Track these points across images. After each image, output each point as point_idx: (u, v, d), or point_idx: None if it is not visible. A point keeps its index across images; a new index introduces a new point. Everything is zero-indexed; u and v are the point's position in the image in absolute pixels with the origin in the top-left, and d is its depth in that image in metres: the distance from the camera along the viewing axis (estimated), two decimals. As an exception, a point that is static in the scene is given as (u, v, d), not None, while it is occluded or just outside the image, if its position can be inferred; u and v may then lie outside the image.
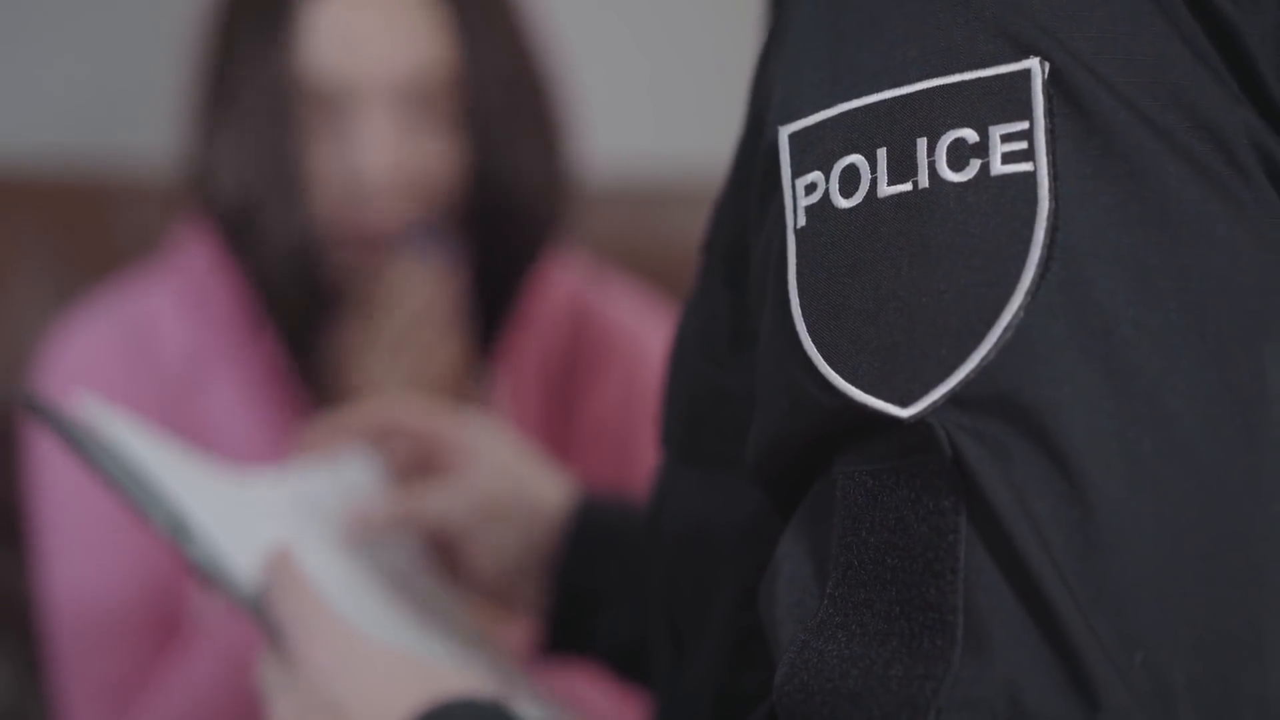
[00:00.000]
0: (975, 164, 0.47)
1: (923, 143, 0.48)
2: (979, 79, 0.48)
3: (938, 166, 0.47)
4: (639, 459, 1.35)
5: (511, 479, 0.89)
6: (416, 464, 0.92)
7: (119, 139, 1.68)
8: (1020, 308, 0.45)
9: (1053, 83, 0.47)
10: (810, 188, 0.50)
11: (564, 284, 1.39)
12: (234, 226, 1.23)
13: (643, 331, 1.40)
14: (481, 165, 1.25)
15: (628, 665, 0.91)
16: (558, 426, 1.35)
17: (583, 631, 0.89)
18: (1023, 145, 0.47)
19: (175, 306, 1.29)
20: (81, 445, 0.81)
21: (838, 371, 0.48)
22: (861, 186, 0.49)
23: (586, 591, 0.88)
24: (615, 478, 1.35)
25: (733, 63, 1.82)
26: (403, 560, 0.90)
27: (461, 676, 0.69)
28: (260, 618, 0.74)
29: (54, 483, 1.26)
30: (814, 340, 0.49)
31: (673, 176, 1.71)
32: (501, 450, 0.91)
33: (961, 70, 0.48)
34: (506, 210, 1.26)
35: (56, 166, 1.60)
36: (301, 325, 1.24)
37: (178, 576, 1.24)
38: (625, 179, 1.72)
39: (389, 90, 1.21)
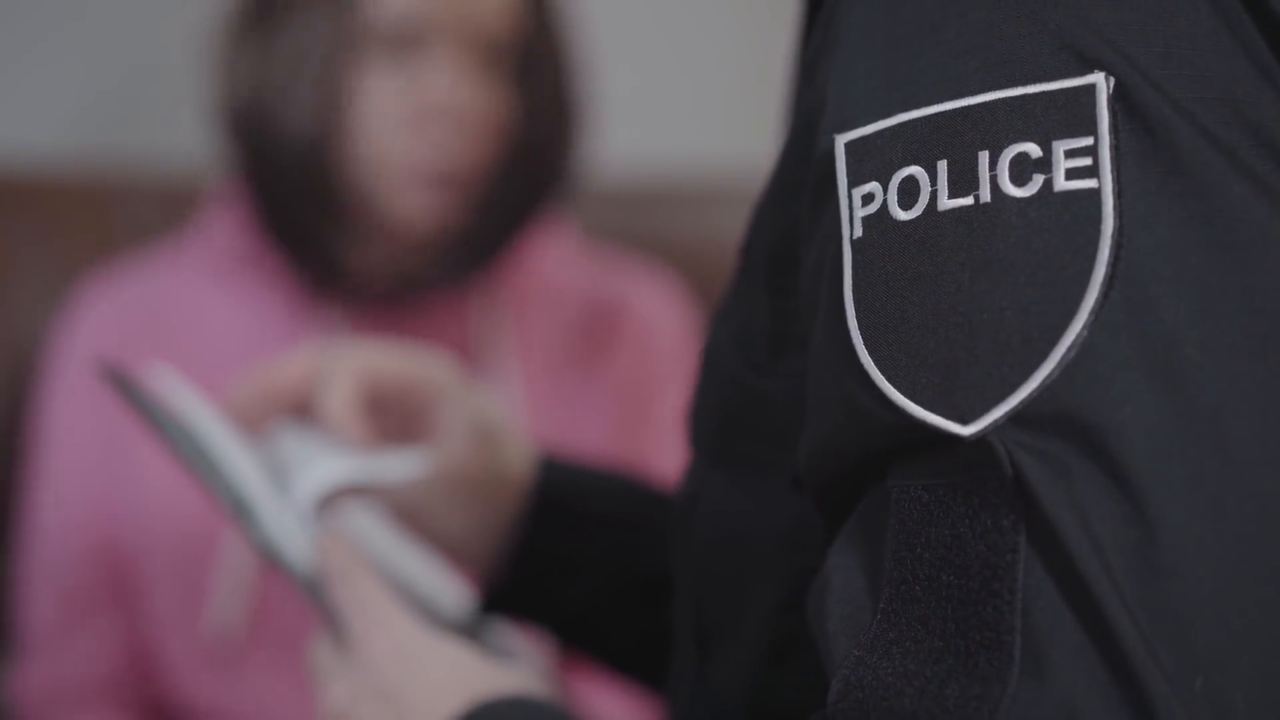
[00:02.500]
0: (1038, 179, 0.46)
1: (984, 156, 0.47)
2: (1043, 92, 0.47)
3: (1000, 181, 0.47)
4: (651, 428, 1.39)
5: (480, 446, 0.86)
6: (388, 416, 0.88)
7: (119, 139, 1.67)
8: (1084, 327, 0.45)
9: (1118, 98, 0.46)
10: (867, 198, 0.50)
11: (572, 262, 1.42)
12: (254, 137, 1.26)
13: (652, 305, 1.44)
14: (527, 119, 1.30)
15: (573, 635, 0.90)
16: (571, 401, 1.36)
17: (534, 600, 0.88)
18: (1087, 161, 0.46)
19: (201, 281, 1.31)
20: (155, 419, 0.82)
21: (895, 386, 0.48)
22: (921, 199, 0.48)
23: (545, 562, 0.87)
24: (627, 446, 1.38)
25: (732, 64, 1.83)
26: (366, 521, 0.89)
27: (515, 675, 0.68)
28: (317, 601, 0.74)
29: (56, 420, 1.29)
30: (871, 353, 0.49)
31: (672, 177, 1.71)
32: (472, 411, 0.86)
33: (1025, 83, 0.47)
34: (537, 160, 1.31)
35: (56, 166, 1.59)
36: (312, 239, 1.27)
37: (158, 565, 1.25)
38: (639, 178, 1.72)
39: (462, 33, 1.25)
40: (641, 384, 1.40)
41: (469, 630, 0.88)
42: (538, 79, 1.30)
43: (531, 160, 1.30)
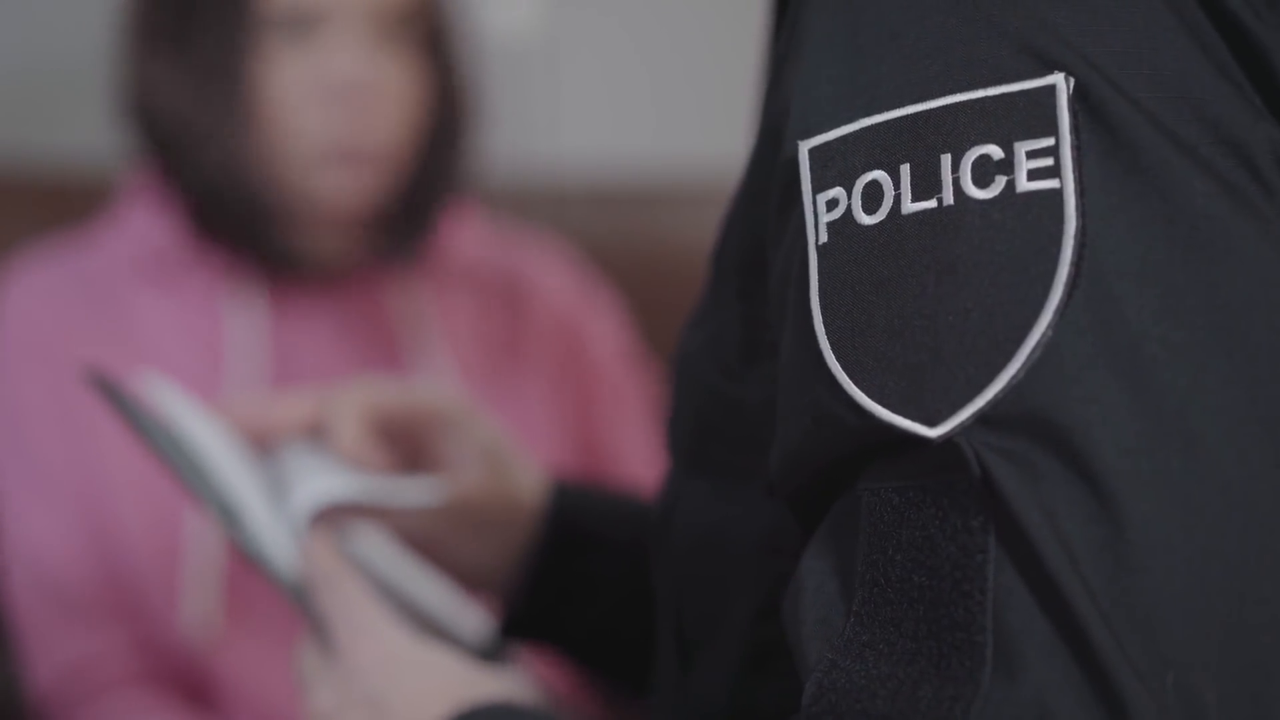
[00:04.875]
0: (1001, 181, 0.47)
1: (947, 159, 0.47)
2: (1003, 94, 0.47)
3: (962, 183, 0.47)
4: (592, 425, 1.40)
5: (490, 474, 0.86)
6: (396, 447, 0.88)
7: (119, 139, 1.68)
8: (1049, 326, 0.45)
9: (1078, 98, 0.47)
10: (832, 204, 0.50)
11: (486, 240, 1.43)
12: (169, 144, 1.26)
13: (579, 295, 1.45)
14: (444, 89, 1.31)
15: (589, 657, 0.91)
16: (506, 382, 1.37)
17: (550, 624, 0.89)
18: (1048, 162, 0.46)
19: (122, 273, 1.31)
20: (140, 424, 0.82)
21: (863, 390, 0.48)
22: (885, 203, 0.49)
23: (560, 587, 0.88)
24: (575, 423, 1.40)
25: (731, 63, 1.83)
26: (369, 542, 0.89)
27: (502, 681, 0.69)
28: (303, 607, 0.75)
29: (14, 448, 1.27)
30: (838, 358, 0.49)
31: (671, 177, 1.72)
32: (481, 439, 0.87)
33: (985, 86, 0.47)
34: (455, 134, 1.33)
35: (56, 166, 1.60)
36: (240, 230, 1.27)
37: (132, 554, 1.24)
38: (623, 179, 1.72)
39: (360, 8, 1.25)
40: (570, 360, 1.42)
41: (486, 655, 0.88)
42: (446, 52, 1.32)
43: (450, 136, 1.32)
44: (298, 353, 1.30)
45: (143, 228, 1.31)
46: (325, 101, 1.24)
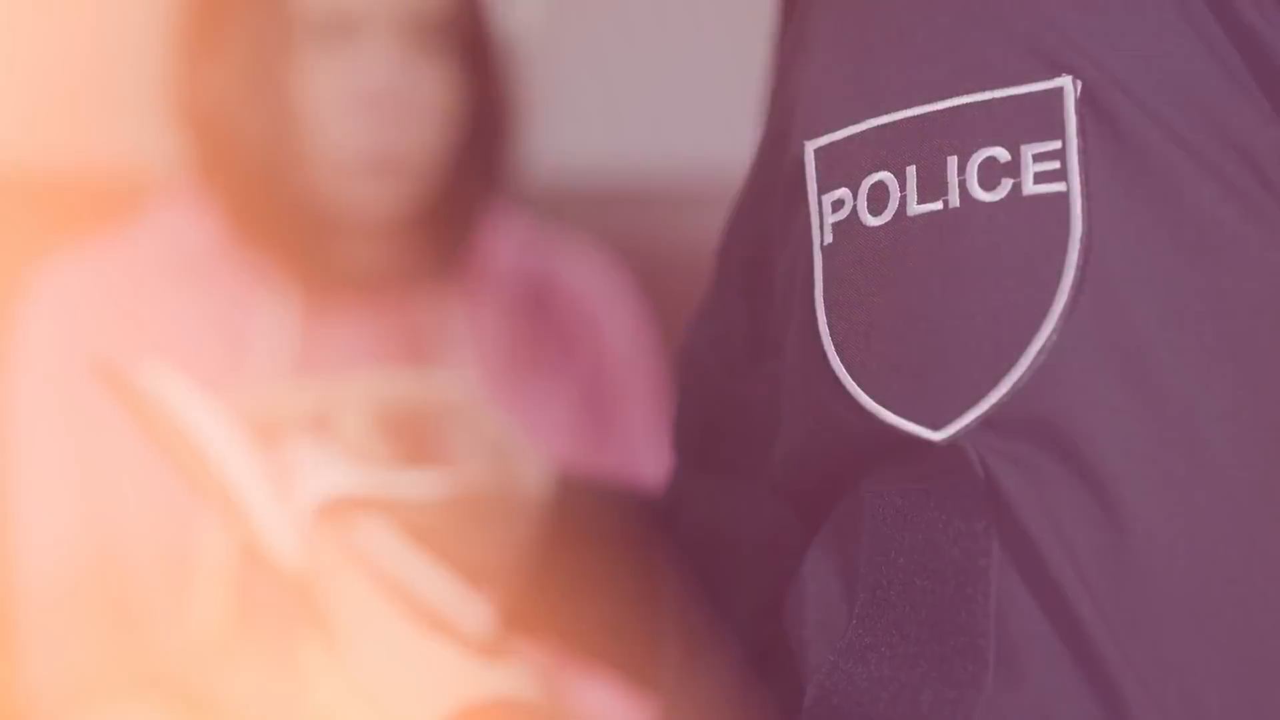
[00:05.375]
0: (1007, 183, 0.47)
1: (953, 161, 0.47)
2: (1010, 97, 0.47)
3: (969, 185, 0.47)
4: (612, 436, 1.40)
5: (495, 466, 0.86)
6: (402, 439, 0.88)
7: (119, 139, 1.68)
8: (1054, 330, 0.45)
9: (1085, 101, 0.46)
10: (837, 204, 0.50)
11: (515, 239, 1.43)
12: (209, 147, 1.26)
13: (605, 301, 1.45)
14: (481, 98, 1.30)
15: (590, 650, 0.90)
16: (527, 388, 1.37)
17: (550, 617, 0.88)
18: (1055, 165, 0.46)
19: (155, 274, 1.31)
20: (144, 413, 0.81)
21: (867, 392, 0.48)
22: (890, 204, 0.49)
23: (564, 580, 0.87)
24: (591, 433, 1.39)
25: (733, 64, 1.84)
26: (372, 536, 0.89)
27: (506, 678, 0.69)
28: (306, 600, 0.74)
29: (26, 442, 1.27)
30: (842, 360, 0.49)
31: (673, 176, 1.71)
32: (486, 431, 0.87)
33: (992, 88, 0.47)
34: (493, 142, 1.32)
35: (56, 166, 1.60)
36: (284, 247, 1.27)
37: (140, 559, 1.24)
38: (625, 179, 1.72)
39: (392, 17, 1.25)
40: (595, 368, 1.42)
41: (490, 649, 0.88)
42: (481, 62, 1.31)
43: (487, 145, 1.32)
44: (324, 360, 1.30)
45: (178, 229, 1.31)
46: (356, 110, 1.24)
